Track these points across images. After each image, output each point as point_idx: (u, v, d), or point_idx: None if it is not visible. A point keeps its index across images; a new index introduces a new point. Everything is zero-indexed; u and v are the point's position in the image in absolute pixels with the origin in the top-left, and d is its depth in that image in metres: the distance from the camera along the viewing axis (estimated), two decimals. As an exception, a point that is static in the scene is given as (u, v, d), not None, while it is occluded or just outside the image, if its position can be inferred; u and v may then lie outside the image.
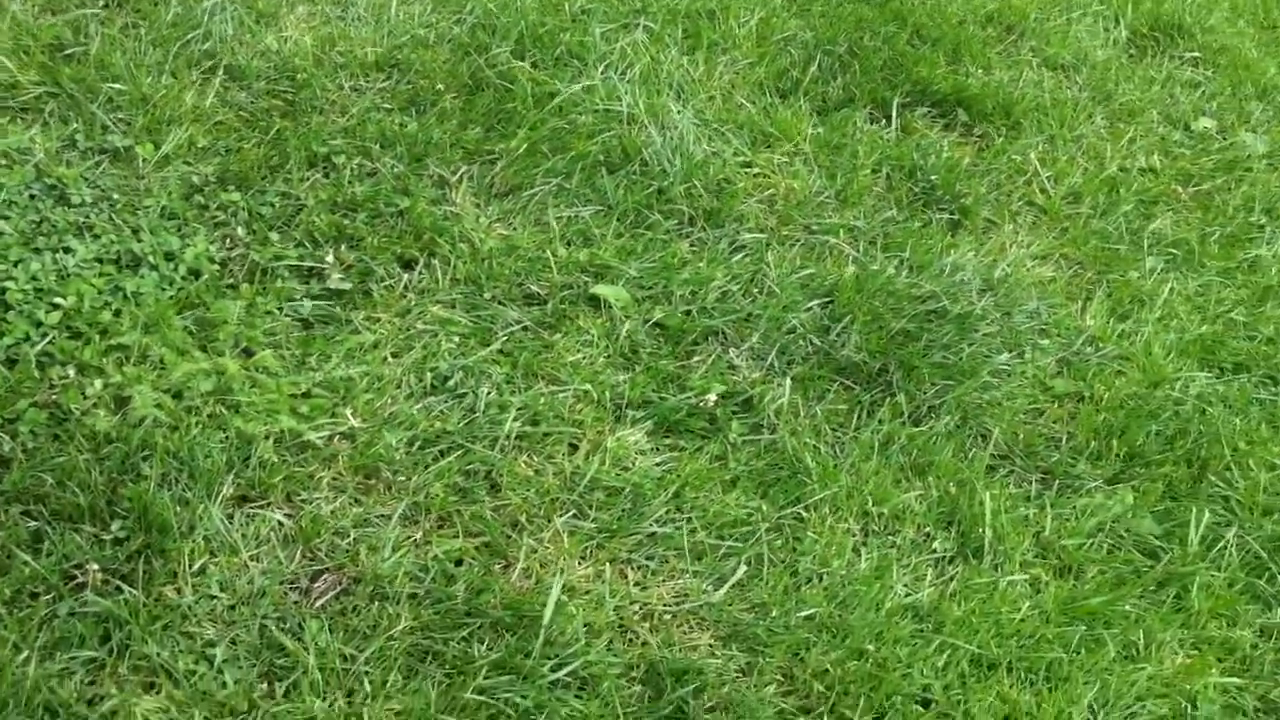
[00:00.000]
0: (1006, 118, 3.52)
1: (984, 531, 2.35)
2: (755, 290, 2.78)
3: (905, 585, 2.24)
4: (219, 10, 3.10)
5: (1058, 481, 2.50)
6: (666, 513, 2.28)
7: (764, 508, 2.32)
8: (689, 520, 2.28)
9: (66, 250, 2.44)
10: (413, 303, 2.56)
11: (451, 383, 2.41)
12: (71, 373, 2.22)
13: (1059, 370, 2.77)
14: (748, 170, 3.13)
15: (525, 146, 2.97)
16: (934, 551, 2.32)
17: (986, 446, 2.54)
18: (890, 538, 2.33)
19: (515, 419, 2.36)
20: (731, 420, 2.47)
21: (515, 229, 2.79)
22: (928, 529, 2.36)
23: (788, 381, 2.56)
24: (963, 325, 2.77)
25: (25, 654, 1.86)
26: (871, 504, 2.36)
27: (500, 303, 2.61)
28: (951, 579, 2.28)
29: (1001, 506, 2.39)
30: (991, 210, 3.19)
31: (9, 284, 2.33)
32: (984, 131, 3.47)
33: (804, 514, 2.33)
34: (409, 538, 2.15)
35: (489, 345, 2.51)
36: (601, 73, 3.26)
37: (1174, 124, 3.72)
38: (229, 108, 2.90)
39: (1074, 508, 2.45)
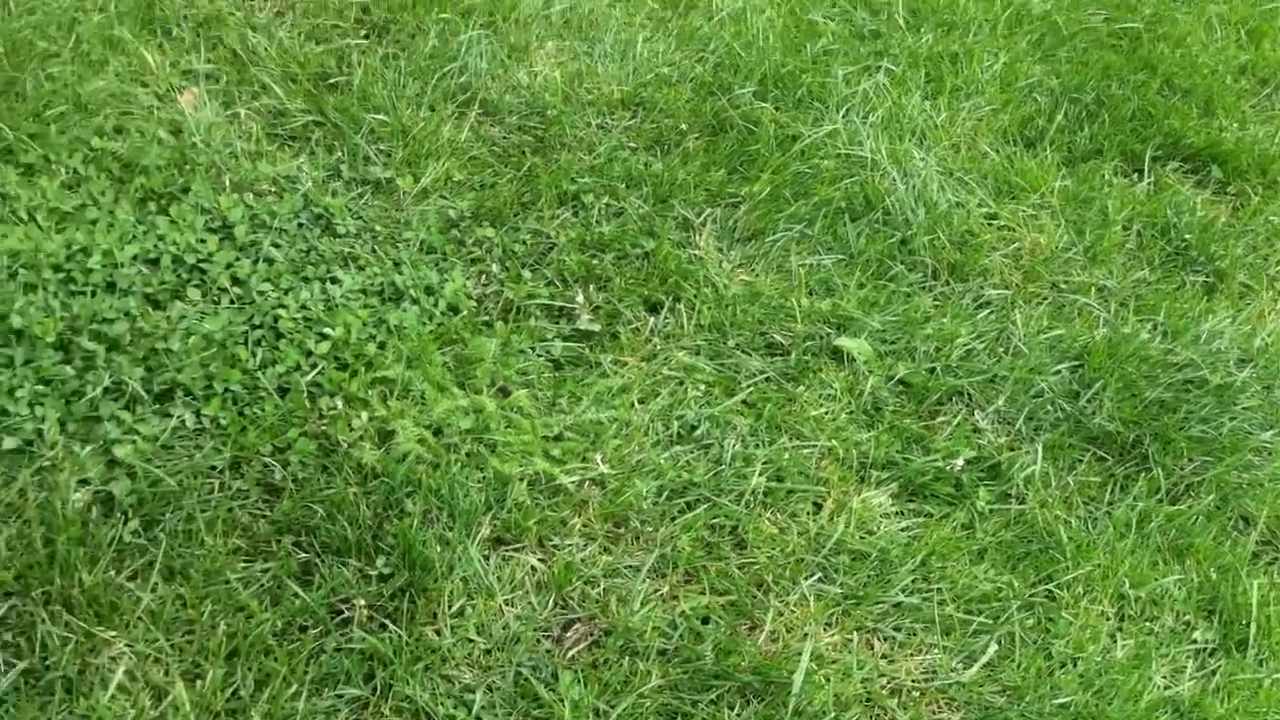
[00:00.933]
0: (1263, 176, 3.36)
1: (1249, 623, 2.23)
2: (1001, 350, 2.71)
3: (1164, 677, 2.15)
4: (474, 44, 3.16)
5: (1328, 575, 2.37)
6: (913, 582, 2.23)
7: (1014, 583, 2.25)
8: (937, 591, 2.22)
9: (333, 280, 2.52)
10: (658, 347, 2.57)
11: (698, 433, 2.41)
12: (339, 404, 2.29)
13: (1327, 453, 2.63)
14: (992, 222, 3.06)
15: (768, 190, 2.96)
16: (1194, 642, 2.22)
17: (1250, 531, 2.42)
18: (1148, 624, 2.24)
19: (760, 473, 2.35)
20: (979, 487, 2.41)
21: (758, 275, 2.78)
22: (1188, 617, 2.26)
23: (1039, 449, 2.48)
24: (1222, 397, 2.65)
25: (294, 688, 1.92)
26: (1128, 586, 2.27)
27: (744, 351, 2.60)
28: (1214, 672, 2.17)
29: (1268, 597, 2.28)
30: (1248, 274, 3.05)
31: (280, 311, 2.42)
32: (1239, 189, 3.32)
33: (1056, 592, 2.26)
34: (656, 591, 2.16)
35: (733, 395, 2.50)
36: (843, 116, 3.22)
37: None
38: (483, 142, 2.96)
39: (1346, 605, 2.32)
